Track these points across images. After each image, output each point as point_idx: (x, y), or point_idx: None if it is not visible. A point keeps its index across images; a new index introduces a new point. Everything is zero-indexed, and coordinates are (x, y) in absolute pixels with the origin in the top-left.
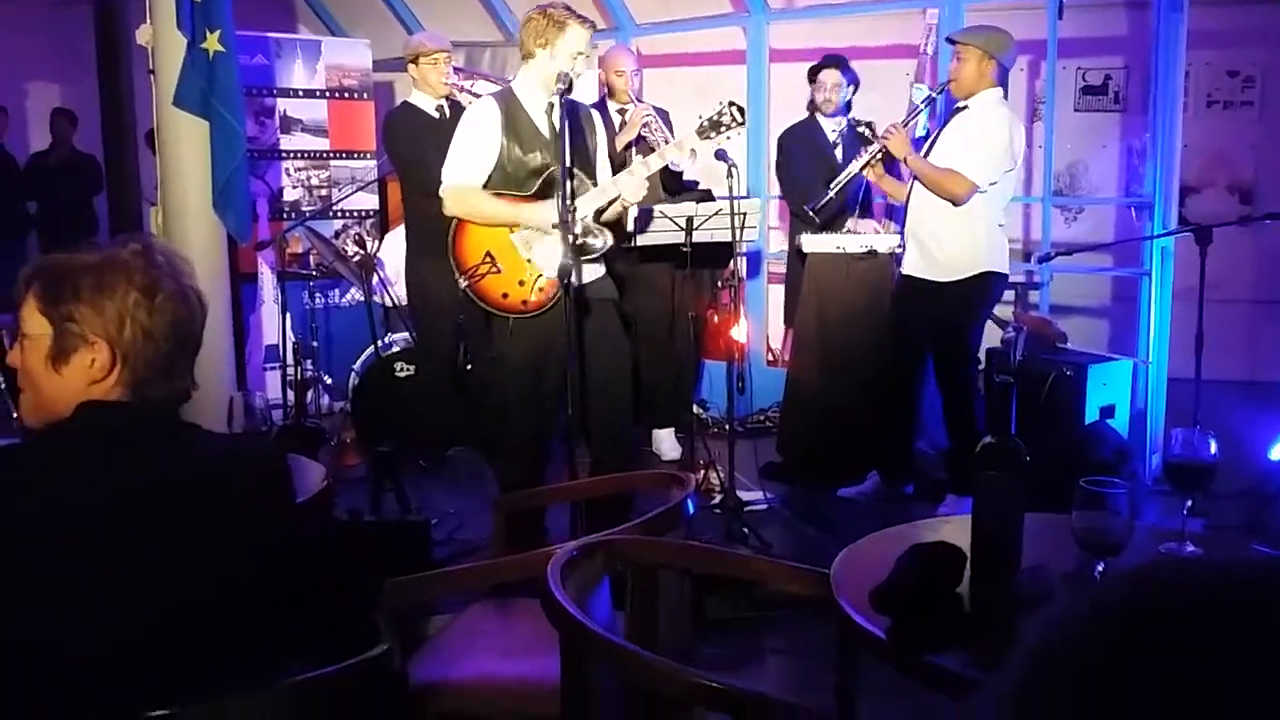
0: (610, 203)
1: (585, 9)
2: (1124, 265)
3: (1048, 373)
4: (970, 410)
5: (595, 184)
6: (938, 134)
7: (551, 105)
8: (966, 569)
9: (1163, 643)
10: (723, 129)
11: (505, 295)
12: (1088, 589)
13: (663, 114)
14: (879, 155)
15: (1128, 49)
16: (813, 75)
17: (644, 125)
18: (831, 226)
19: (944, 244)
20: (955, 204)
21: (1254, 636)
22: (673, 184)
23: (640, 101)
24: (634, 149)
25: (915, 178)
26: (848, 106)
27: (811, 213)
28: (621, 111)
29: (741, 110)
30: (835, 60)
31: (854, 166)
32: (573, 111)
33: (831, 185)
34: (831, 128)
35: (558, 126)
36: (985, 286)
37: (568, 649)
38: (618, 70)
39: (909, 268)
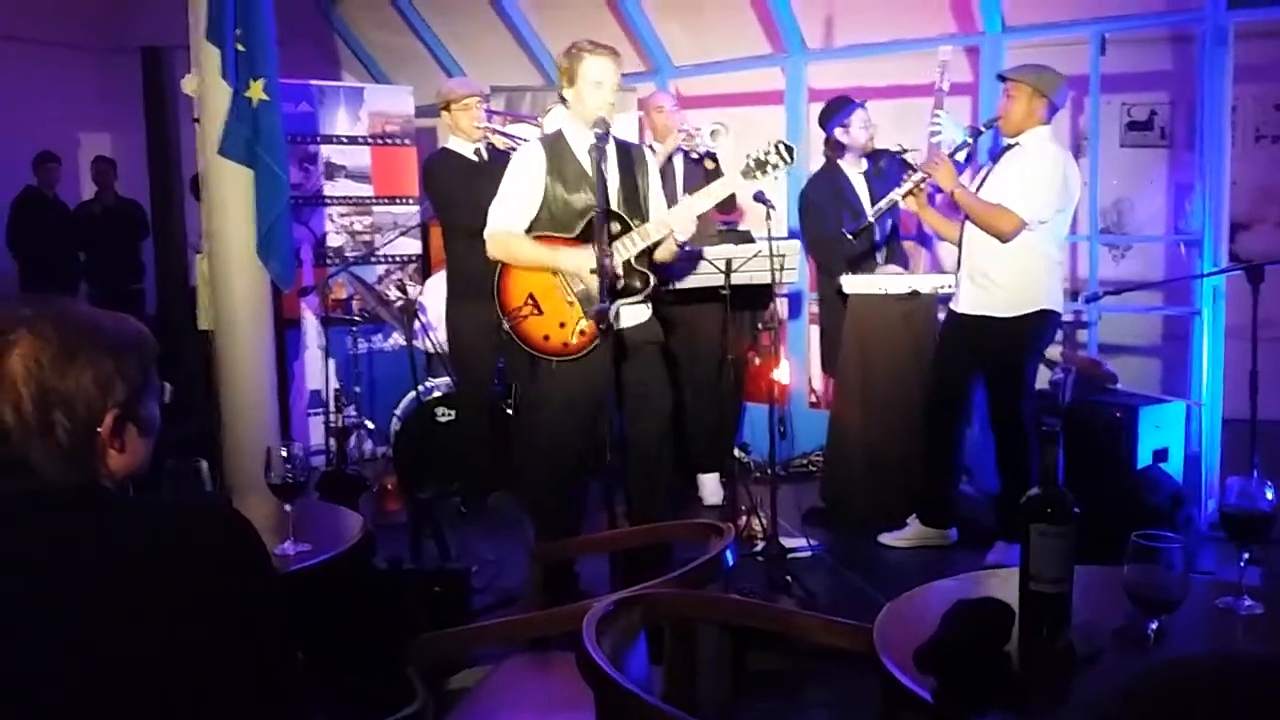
0: (660, 241)
1: (624, 52)
2: (1174, 304)
3: (1098, 415)
4: (1026, 451)
5: (649, 219)
6: (988, 171)
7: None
8: (1015, 626)
9: None
10: (768, 168)
11: (546, 338)
12: (1121, 677)
13: (710, 156)
14: (921, 183)
15: (1173, 84)
16: (830, 118)
17: (684, 136)
18: (859, 269)
19: (1002, 280)
20: (1002, 240)
21: None
22: (725, 203)
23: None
24: (673, 161)
25: (965, 215)
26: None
27: (850, 236)
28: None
29: (790, 150)
30: (856, 102)
31: (896, 193)
32: (623, 151)
33: (871, 212)
34: (855, 170)
35: (604, 166)
36: (1044, 323)
37: (603, 708)
38: (657, 107)
39: (965, 306)
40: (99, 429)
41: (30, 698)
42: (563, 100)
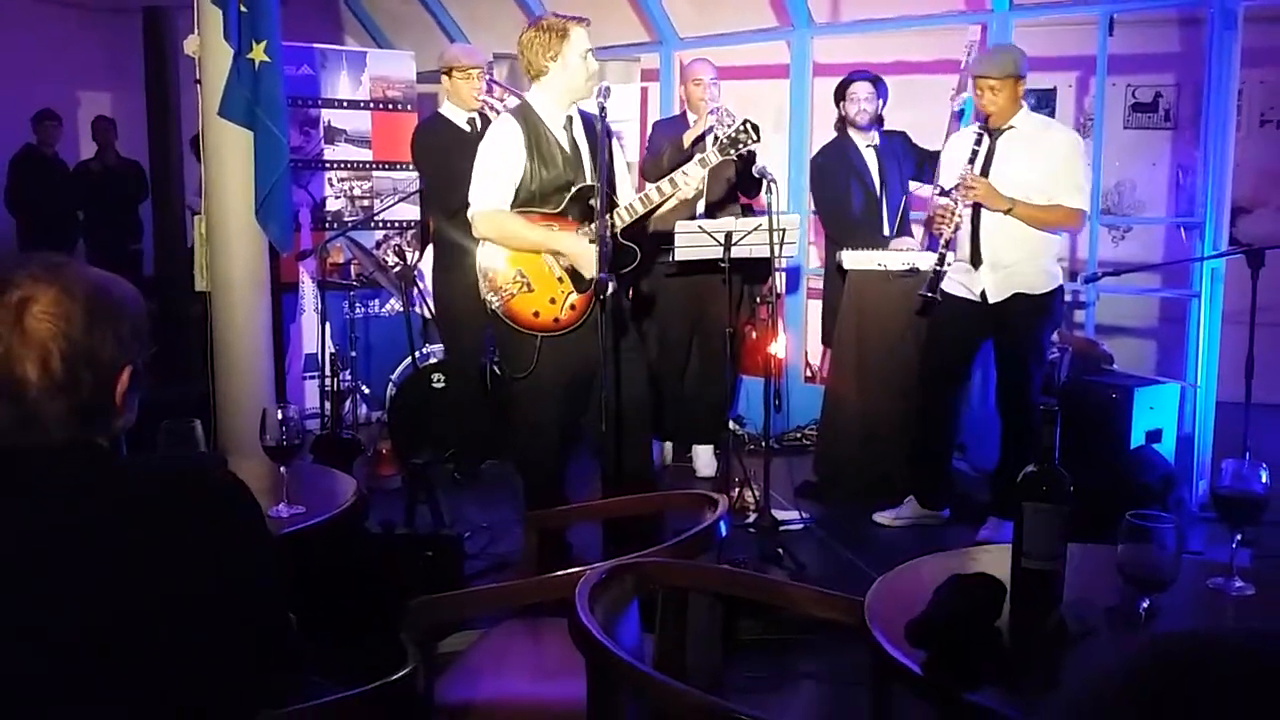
0: (659, 205)
1: (629, 23)
2: (1173, 286)
3: (1093, 395)
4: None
5: (618, 197)
6: (985, 154)
7: (570, 119)
8: (1006, 602)
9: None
10: (739, 145)
11: (536, 314)
12: (1118, 659)
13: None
14: (959, 206)
15: (1179, 66)
16: (841, 91)
17: (714, 119)
18: (870, 243)
19: (1027, 261)
20: (1074, 234)
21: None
22: (750, 187)
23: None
24: (706, 140)
25: (975, 209)
26: (880, 121)
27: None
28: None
29: (756, 128)
30: (864, 75)
31: (947, 232)
32: (591, 125)
33: (933, 262)
34: (865, 143)
35: (578, 140)
36: (1061, 298)
37: (594, 675)
38: (695, 80)
39: (995, 294)
40: (117, 386)
41: (36, 656)
42: (531, 76)
